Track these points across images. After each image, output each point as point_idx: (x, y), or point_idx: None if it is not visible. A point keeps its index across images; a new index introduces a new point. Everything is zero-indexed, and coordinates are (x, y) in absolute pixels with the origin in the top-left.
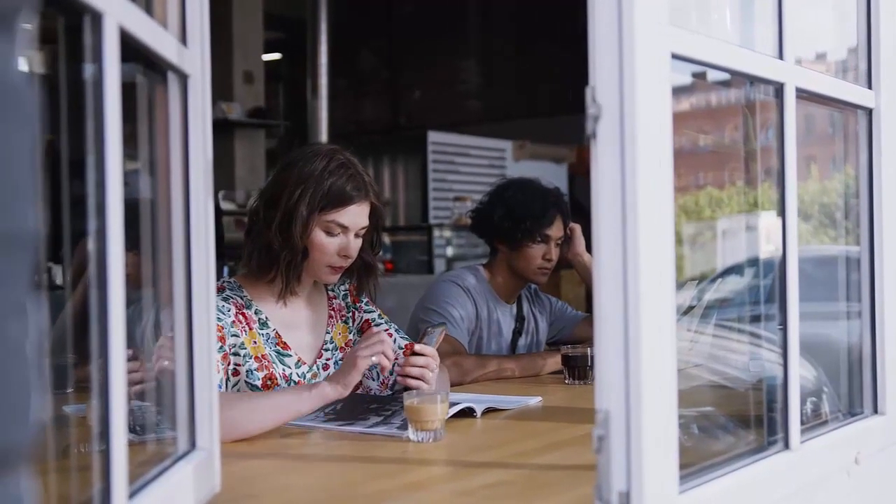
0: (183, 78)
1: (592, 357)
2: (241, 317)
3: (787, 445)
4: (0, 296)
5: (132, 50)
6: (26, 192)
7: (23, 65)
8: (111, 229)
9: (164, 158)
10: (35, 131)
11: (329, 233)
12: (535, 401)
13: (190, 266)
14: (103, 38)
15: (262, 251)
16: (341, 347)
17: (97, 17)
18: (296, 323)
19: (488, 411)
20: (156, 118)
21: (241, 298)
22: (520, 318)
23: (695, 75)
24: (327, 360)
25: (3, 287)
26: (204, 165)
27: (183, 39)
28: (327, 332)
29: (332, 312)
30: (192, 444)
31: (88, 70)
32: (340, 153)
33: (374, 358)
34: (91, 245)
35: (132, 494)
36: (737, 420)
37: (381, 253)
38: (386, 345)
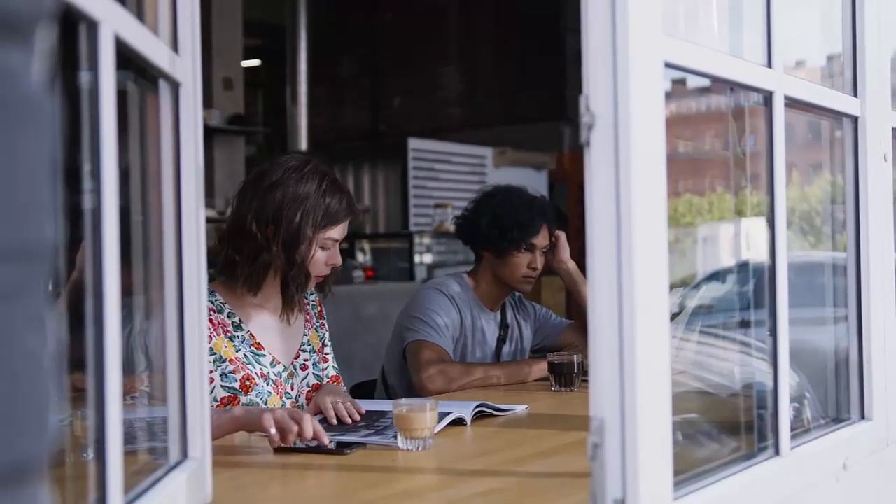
0: (175, 86)
1: (579, 364)
2: (208, 322)
3: (777, 452)
4: (19, 308)
5: (124, 57)
6: (44, 204)
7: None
8: (107, 237)
9: (155, 166)
10: (53, 142)
11: (324, 248)
12: (521, 409)
13: (181, 274)
14: (99, 45)
15: (259, 269)
16: (317, 350)
17: (93, 26)
18: (272, 325)
19: (479, 416)
20: (147, 126)
21: (213, 303)
22: (504, 326)
23: (674, 81)
24: (305, 360)
25: (22, 299)
26: (195, 173)
27: (175, 47)
28: (304, 334)
29: (308, 317)
30: (184, 454)
31: (83, 77)
32: (323, 168)
33: (272, 431)
34: (85, 253)
35: None
36: (726, 427)
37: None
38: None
